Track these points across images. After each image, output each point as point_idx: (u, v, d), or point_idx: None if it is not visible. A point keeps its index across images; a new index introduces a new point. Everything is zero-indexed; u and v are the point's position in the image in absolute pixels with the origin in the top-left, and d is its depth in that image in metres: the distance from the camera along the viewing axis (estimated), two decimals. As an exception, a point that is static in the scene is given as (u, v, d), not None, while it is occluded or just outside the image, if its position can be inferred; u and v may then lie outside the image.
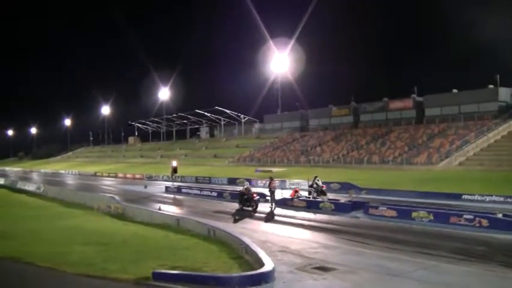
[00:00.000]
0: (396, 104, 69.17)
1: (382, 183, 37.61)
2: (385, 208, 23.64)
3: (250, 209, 28.19)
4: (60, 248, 16.77)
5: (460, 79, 71.18)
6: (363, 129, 70.06)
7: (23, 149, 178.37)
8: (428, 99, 65.48)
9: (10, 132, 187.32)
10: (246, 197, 28.75)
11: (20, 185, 52.09)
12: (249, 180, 38.59)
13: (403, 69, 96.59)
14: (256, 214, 26.98)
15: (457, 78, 72.96)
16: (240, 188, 32.34)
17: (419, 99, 67.04)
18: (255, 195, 28.80)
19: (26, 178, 74.79)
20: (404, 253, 15.79)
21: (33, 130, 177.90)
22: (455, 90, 62.85)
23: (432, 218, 21.40)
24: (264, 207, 28.85)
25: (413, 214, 22.12)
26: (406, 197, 30.58)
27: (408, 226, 21.20)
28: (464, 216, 20.42)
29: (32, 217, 25.72)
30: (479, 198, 28.76)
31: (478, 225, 19.71)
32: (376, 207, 24.13)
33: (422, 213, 21.93)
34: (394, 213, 22.97)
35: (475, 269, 13.71)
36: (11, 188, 49.68)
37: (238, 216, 26.55)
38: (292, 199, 29.34)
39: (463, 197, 29.27)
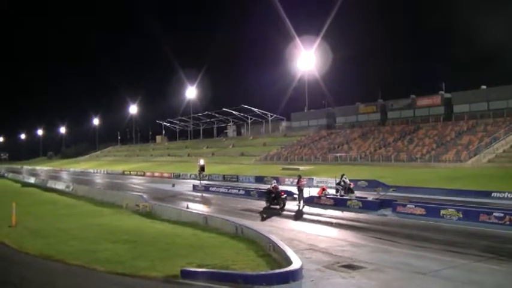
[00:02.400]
0: (424, 101, 68.21)
1: (410, 180, 37.22)
2: (413, 206, 23.42)
3: (277, 207, 28.17)
4: (90, 245, 17.02)
5: (488, 75, 70.00)
6: (391, 126, 69.30)
7: (52, 149, 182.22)
8: (457, 96, 64.41)
9: (40, 132, 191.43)
10: (273, 195, 28.76)
11: (50, 183, 52.88)
12: (276, 179, 38.55)
13: (430, 66, 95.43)
14: (284, 212, 26.97)
15: (485, 75, 71.69)
16: (267, 186, 32.37)
17: (448, 95, 66.00)
18: (282, 193, 28.79)
19: (55, 177, 76.05)
20: (433, 251, 15.58)
21: (62, 130, 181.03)
22: (484, 87, 61.69)
23: (461, 216, 21.11)
24: (291, 205, 28.85)
25: (442, 212, 21.85)
26: (434, 194, 30.23)
27: (437, 224, 20.93)
28: (494, 214, 20.08)
29: (62, 215, 26.13)
30: (509, 195, 28.26)
31: (508, 223, 19.37)
32: (404, 205, 23.92)
33: (451, 211, 21.65)
34: (422, 211, 22.72)
35: (505, 268, 13.48)
36: (41, 187, 50.48)
37: (266, 214, 26.57)
38: (319, 197, 29.26)
39: (492, 194, 28.80)
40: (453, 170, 44.43)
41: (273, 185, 29.68)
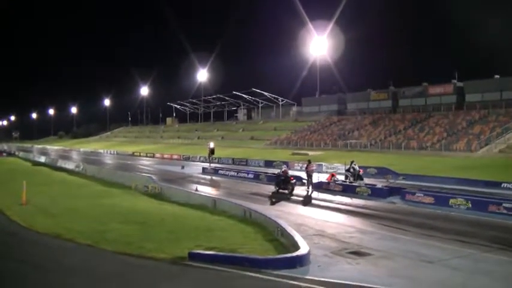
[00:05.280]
0: (436, 89, 67.63)
1: (420, 169, 37.01)
2: (422, 194, 23.35)
3: (286, 191, 28.19)
4: (99, 225, 17.14)
5: (502, 64, 69.14)
6: (402, 114, 68.86)
7: (63, 128, 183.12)
8: (469, 85, 63.76)
9: (51, 112, 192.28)
10: (282, 179, 28.75)
11: (60, 163, 53.26)
12: (285, 163, 38.50)
13: (443, 54, 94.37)
14: (293, 197, 26.95)
15: (499, 64, 70.81)
16: (276, 171, 32.33)
17: (460, 84, 65.37)
18: (291, 178, 28.78)
19: (65, 157, 76.59)
20: (441, 240, 15.51)
21: (74, 110, 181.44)
22: (497, 76, 60.99)
23: (470, 205, 21.00)
24: (300, 191, 28.85)
25: (451, 201, 21.75)
26: (444, 183, 30.03)
27: (445, 213, 20.83)
28: (504, 204, 19.95)
29: (71, 195, 26.29)
30: (519, 186, 28.00)
31: (517, 214, 19.23)
32: (413, 193, 23.86)
33: (460, 200, 21.54)
34: (431, 199, 22.65)
35: (514, 259, 13.39)
36: (52, 166, 50.85)
37: (275, 198, 26.55)
38: (328, 183, 29.27)
39: (502, 185, 28.54)
40: (463, 159, 44.11)
41: (283, 170, 29.60)
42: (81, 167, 45.40)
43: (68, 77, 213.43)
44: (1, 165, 52.41)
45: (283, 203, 25.13)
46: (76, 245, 14.69)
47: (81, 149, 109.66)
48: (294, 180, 28.78)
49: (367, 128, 67.86)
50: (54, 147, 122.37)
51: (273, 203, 25.13)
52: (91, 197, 25.59)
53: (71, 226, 17.01)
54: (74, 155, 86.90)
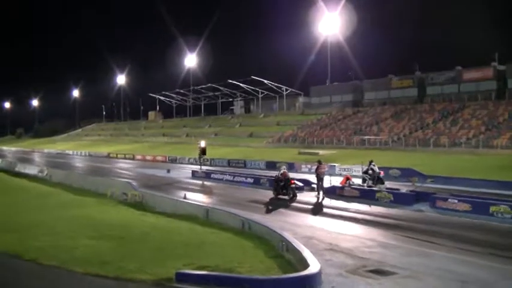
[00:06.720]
0: (472, 74, 67.68)
1: (453, 169, 36.99)
2: (456, 200, 23.26)
3: (286, 197, 28.27)
4: (68, 242, 17.01)
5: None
6: (430, 104, 68.87)
7: (23, 125, 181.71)
8: (513, 68, 63.81)
9: (7, 105, 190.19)
10: (282, 183, 28.76)
11: (19, 167, 52.95)
12: (291, 165, 38.46)
13: (480, 33, 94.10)
14: (301, 205, 26.93)
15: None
16: (273, 173, 32.32)
17: (502, 67, 65.36)
18: (292, 181, 28.82)
19: (26, 159, 76.57)
20: (480, 256, 15.45)
21: (35, 102, 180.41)
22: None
23: (515, 213, 20.98)
24: (308, 197, 28.88)
25: (492, 209, 21.68)
26: (482, 187, 29.94)
27: (485, 223, 20.76)
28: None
29: (34, 206, 26.14)
30: None
31: None
32: (445, 199, 23.77)
33: (503, 207, 21.47)
34: (467, 206, 22.56)
35: None
36: (9, 171, 50.57)
37: (277, 206, 26.55)
38: (342, 187, 29.24)
39: (555, 190, 28.50)
40: (506, 158, 44.01)
41: (281, 172, 29.67)
42: (45, 172, 45.27)
43: (26, 62, 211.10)
44: None
45: (288, 212, 25.12)
46: (39, 266, 14.53)
47: (45, 150, 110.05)
48: (295, 185, 28.95)
49: (388, 121, 67.90)
50: (11, 149, 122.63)
51: (276, 212, 25.10)
52: (57, 207, 25.46)
53: (33, 243, 16.84)
54: (37, 158, 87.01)
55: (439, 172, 35.44)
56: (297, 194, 28.69)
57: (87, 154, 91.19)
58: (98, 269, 13.73)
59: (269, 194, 30.18)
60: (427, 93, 72.55)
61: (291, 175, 30.44)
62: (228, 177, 39.63)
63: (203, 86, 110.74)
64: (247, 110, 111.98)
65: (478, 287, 12.42)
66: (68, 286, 13.03)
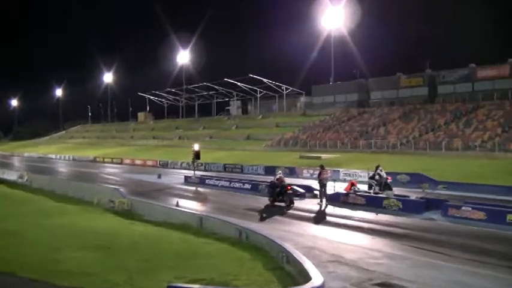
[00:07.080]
0: (487, 72, 67.74)
1: (466, 175, 37.01)
2: (470, 208, 23.29)
3: (283, 204, 28.37)
4: (50, 253, 16.99)
5: None
6: (441, 104, 68.86)
7: (1, 127, 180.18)
8: (531, 66, 63.94)
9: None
10: (278, 189, 28.83)
11: (-3, 173, 53.04)
12: (291, 169, 38.46)
13: (495, 28, 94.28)
14: (302, 213, 26.98)
15: None
16: (272, 178, 32.39)
17: (519, 65, 65.50)
18: (289, 187, 28.92)
19: (4, 164, 76.39)
20: (496, 268, 15.47)
21: (14, 102, 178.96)
22: None
23: (534, 223, 21.01)
24: (310, 204, 28.93)
25: (509, 217, 21.69)
26: (498, 194, 29.96)
27: (501, 232, 20.79)
28: None
29: (12, 214, 26.03)
30: None
31: None
32: (458, 207, 23.79)
33: (520, 216, 21.51)
34: (482, 215, 22.57)
35: None
36: (-15, 177, 50.61)
37: (277, 215, 26.58)
38: (347, 194, 29.26)
39: None
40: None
41: (277, 177, 29.83)
42: (26, 178, 45.32)
43: (5, 58, 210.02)
44: None
45: (288, 220, 25.16)
46: (18, 280, 14.46)
47: (26, 154, 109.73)
48: (292, 191, 29.14)
49: (396, 123, 67.90)
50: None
51: (275, 221, 25.12)
52: (38, 215, 25.49)
53: (13, 255, 16.77)
54: (16, 162, 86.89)
55: (451, 178, 35.48)
56: (294, 201, 28.81)
57: (72, 158, 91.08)
58: (82, 282, 13.69)
59: (268, 201, 30.23)
60: (438, 92, 72.59)
61: (292, 181, 30.59)
62: (223, 183, 39.66)
63: (197, 85, 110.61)
64: (245, 111, 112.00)
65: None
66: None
